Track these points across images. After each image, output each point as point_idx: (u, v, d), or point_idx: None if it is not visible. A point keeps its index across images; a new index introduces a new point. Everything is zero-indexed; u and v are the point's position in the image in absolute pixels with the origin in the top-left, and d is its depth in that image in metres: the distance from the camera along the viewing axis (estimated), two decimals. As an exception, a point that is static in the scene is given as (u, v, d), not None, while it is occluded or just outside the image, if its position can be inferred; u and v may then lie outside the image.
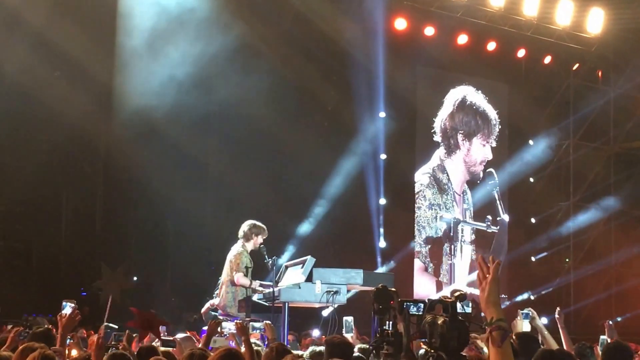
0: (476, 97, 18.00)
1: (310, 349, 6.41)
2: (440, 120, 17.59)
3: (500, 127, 18.21)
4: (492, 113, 18.15)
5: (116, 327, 9.42)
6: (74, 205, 15.15)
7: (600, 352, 7.72)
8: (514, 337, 6.58)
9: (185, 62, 14.30)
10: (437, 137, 17.55)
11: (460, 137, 17.71)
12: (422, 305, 3.91)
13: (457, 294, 3.83)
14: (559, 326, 7.88)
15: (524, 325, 7.50)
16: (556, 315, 7.98)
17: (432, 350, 3.57)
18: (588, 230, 19.29)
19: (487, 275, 3.39)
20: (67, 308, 5.69)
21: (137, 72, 14.16)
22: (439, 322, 3.58)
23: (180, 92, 14.38)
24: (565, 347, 7.64)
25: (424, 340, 3.66)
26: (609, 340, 7.71)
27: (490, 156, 17.99)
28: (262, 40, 15.08)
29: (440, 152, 17.60)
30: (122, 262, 15.10)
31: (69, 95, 13.77)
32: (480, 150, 17.92)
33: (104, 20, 14.23)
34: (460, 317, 3.62)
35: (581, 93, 19.36)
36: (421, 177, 17.37)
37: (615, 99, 19.42)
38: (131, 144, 14.54)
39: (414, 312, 3.93)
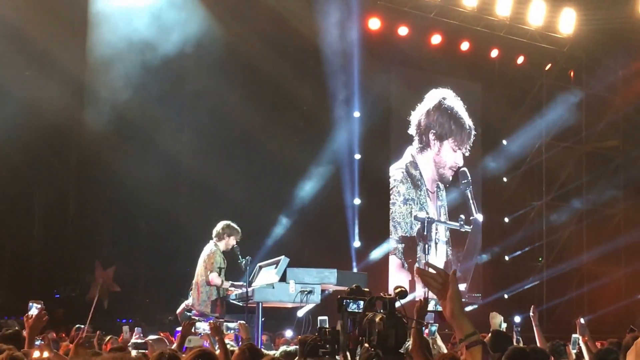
0: (454, 102, 18.06)
1: (282, 348, 6.40)
2: (417, 116, 17.64)
3: (474, 137, 18.27)
4: (468, 121, 18.22)
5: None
6: (46, 205, 15.01)
7: (571, 351, 7.80)
8: (489, 335, 6.64)
9: (159, 59, 14.21)
10: (412, 130, 17.59)
11: (432, 135, 17.77)
12: (362, 302, 3.85)
13: (397, 290, 3.80)
14: (533, 324, 7.94)
15: (501, 322, 7.55)
16: (530, 314, 8.05)
17: (372, 349, 3.54)
18: (560, 229, 19.44)
19: (444, 285, 3.13)
20: (34, 309, 5.62)
21: (110, 68, 14.06)
22: (377, 319, 3.54)
23: (154, 89, 14.30)
24: (539, 343, 7.73)
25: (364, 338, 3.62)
26: (580, 338, 7.78)
27: (460, 163, 18.07)
28: (236, 39, 15.03)
29: (412, 149, 17.65)
30: (112, 264, 14.98)
31: (41, 92, 13.63)
32: (450, 154, 17.98)
33: (76, 15, 14.10)
34: (398, 314, 3.56)
35: (553, 93, 19.50)
36: (395, 172, 17.43)
37: (587, 99, 19.58)
38: (104, 142, 14.44)
39: (354, 310, 3.87)
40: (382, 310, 3.55)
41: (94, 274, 14.74)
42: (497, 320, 7.51)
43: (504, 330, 7.72)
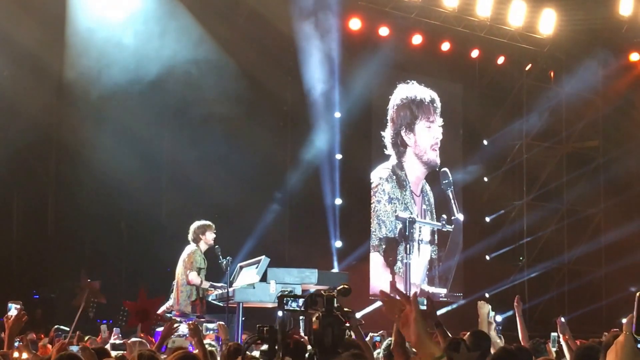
0: (407, 89, 17.95)
1: (263, 347, 6.37)
2: (388, 133, 17.64)
3: (440, 103, 18.21)
4: (426, 92, 18.09)
5: (67, 329, 9.30)
6: (25, 205, 14.89)
7: (551, 349, 7.83)
8: (468, 333, 6.64)
9: (139, 56, 14.14)
10: (390, 151, 17.61)
11: (403, 133, 17.77)
12: (302, 300, 3.78)
13: (340, 287, 3.74)
14: (516, 314, 7.98)
15: (489, 311, 7.54)
16: (515, 303, 8.09)
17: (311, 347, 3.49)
18: (541, 228, 19.51)
19: (407, 310, 2.98)
20: (13, 310, 5.56)
21: (89, 68, 13.97)
22: (313, 318, 3.48)
23: (134, 90, 14.22)
24: (521, 335, 7.78)
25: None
26: (560, 337, 7.81)
27: (439, 136, 18.01)
28: (217, 38, 14.99)
29: (394, 158, 17.69)
30: (99, 277, 14.87)
31: (19, 92, 13.53)
32: (426, 134, 17.94)
33: (54, 10, 14.00)
34: (337, 313, 3.48)
35: (534, 93, 19.58)
36: (381, 171, 17.43)
37: (567, 100, 19.66)
38: (83, 143, 14.35)
39: (294, 307, 3.81)
40: (321, 309, 3.48)
41: (80, 281, 14.58)
42: (485, 310, 7.49)
43: (492, 318, 7.72)
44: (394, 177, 17.56)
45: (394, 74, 17.85)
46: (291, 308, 3.78)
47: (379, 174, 17.45)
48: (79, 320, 10.51)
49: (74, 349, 6.00)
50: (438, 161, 17.98)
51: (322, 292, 3.59)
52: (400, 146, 17.72)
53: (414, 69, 17.94)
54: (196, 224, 10.99)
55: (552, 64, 19.80)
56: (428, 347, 2.94)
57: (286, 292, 9.88)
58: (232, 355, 5.96)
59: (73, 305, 12.92)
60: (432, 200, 18.03)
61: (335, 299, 3.53)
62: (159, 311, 11.08)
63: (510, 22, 17.91)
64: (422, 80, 18.08)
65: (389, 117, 17.71)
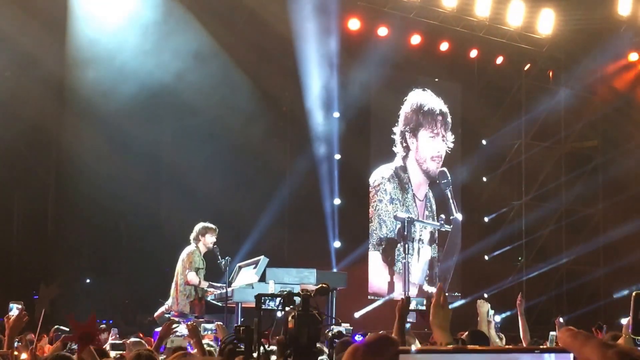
0: (420, 96, 17.99)
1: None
2: (398, 132, 17.68)
3: (451, 118, 18.26)
4: (438, 104, 18.12)
5: (67, 329, 9.31)
6: (26, 205, 14.92)
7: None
8: (466, 333, 6.67)
9: (139, 58, 14.16)
10: (398, 149, 17.63)
11: (407, 136, 17.79)
12: (279, 299, 3.78)
13: (319, 286, 3.74)
14: (518, 312, 8.02)
15: (488, 310, 7.57)
16: (517, 301, 8.12)
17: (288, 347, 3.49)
18: (540, 228, 19.52)
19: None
20: (14, 310, 5.57)
21: (89, 68, 13.98)
22: (289, 317, 3.49)
23: (134, 90, 14.24)
24: (522, 335, 7.83)
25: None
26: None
27: (442, 150, 18.02)
28: (216, 39, 15.01)
29: (399, 158, 17.71)
30: (98, 277, 14.88)
31: (20, 93, 13.55)
32: (428, 144, 17.95)
33: (55, 12, 14.02)
34: (313, 312, 3.47)
35: (533, 93, 19.58)
36: (383, 170, 17.44)
37: (566, 99, 19.66)
38: (83, 142, 14.37)
39: (272, 307, 3.81)
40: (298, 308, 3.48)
41: (39, 293, 14.54)
42: (485, 309, 7.51)
43: (492, 317, 7.76)
44: (397, 178, 17.56)
45: (393, 74, 17.83)
46: (268, 307, 3.79)
47: (381, 173, 17.46)
48: (78, 317, 10.48)
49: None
50: (437, 172, 17.98)
51: (300, 291, 3.60)
52: (404, 148, 17.74)
53: (413, 69, 17.94)
54: (201, 224, 11.01)
55: (550, 64, 19.80)
56: (437, 333, 3.16)
57: (285, 292, 9.92)
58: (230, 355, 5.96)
59: (36, 317, 12.91)
60: (434, 207, 18.03)
61: (310, 299, 3.52)
62: (157, 313, 11.10)
63: (509, 22, 17.92)
64: (421, 80, 18.08)
65: (400, 117, 17.73)
